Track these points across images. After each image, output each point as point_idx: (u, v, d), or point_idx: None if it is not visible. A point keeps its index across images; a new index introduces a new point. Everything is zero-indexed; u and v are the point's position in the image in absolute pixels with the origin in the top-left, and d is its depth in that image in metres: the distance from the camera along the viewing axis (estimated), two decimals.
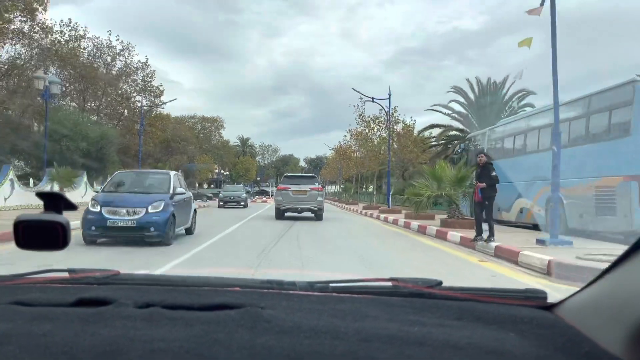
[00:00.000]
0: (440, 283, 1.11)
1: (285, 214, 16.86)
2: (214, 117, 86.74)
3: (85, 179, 23.50)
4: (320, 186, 17.51)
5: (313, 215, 16.87)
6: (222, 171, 77.11)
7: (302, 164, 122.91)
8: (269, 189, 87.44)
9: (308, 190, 16.66)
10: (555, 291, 4.37)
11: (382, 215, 19.93)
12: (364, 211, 25.19)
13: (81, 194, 23.08)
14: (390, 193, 24.54)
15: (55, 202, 0.90)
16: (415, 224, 14.39)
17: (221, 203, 28.53)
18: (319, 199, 16.80)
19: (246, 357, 0.70)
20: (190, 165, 72.92)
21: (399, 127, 26.30)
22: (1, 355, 0.69)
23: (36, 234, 0.89)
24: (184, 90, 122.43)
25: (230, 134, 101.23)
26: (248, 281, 1.17)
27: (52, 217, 0.89)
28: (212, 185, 76.10)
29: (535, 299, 1.05)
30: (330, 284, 1.12)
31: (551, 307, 0.99)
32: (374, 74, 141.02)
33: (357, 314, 0.90)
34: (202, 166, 71.56)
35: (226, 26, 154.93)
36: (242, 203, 28.47)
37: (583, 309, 0.89)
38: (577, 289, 0.94)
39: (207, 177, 73.14)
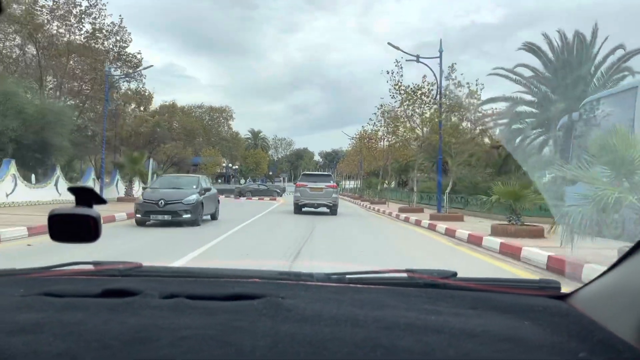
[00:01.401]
0: (455, 274, 1.11)
1: (303, 209, 17.83)
2: (223, 106, 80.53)
3: (12, 169, 16.79)
4: (335, 184, 18.49)
5: (328, 210, 17.76)
6: (230, 165, 70.11)
7: (317, 158, 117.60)
8: (281, 185, 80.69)
9: (324, 187, 17.67)
10: None
11: (440, 225, 12.83)
12: (402, 215, 18.05)
13: (6, 189, 16.40)
14: (445, 192, 17.35)
15: (86, 196, 0.92)
16: (533, 251, 7.35)
17: (138, 216, 12.01)
18: (334, 195, 17.82)
19: (270, 343, 0.70)
20: (196, 159, 66.72)
21: (461, 94, 18.04)
22: (36, 342, 0.70)
23: (69, 227, 0.92)
24: (201, 86, 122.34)
25: (245, 128, 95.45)
26: (266, 272, 1.18)
27: (84, 210, 0.91)
28: (220, 181, 69.49)
29: (549, 289, 1.04)
30: (347, 275, 1.13)
31: (565, 296, 1.00)
32: (391, 69, 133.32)
33: (375, 303, 0.92)
34: (208, 159, 64.97)
35: (243, 22, 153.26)
36: (188, 215, 12.01)
37: (596, 298, 0.90)
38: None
39: (214, 171, 66.35)
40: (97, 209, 0.92)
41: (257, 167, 78.27)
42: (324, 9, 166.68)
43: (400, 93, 19.59)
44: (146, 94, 32.38)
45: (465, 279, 1.10)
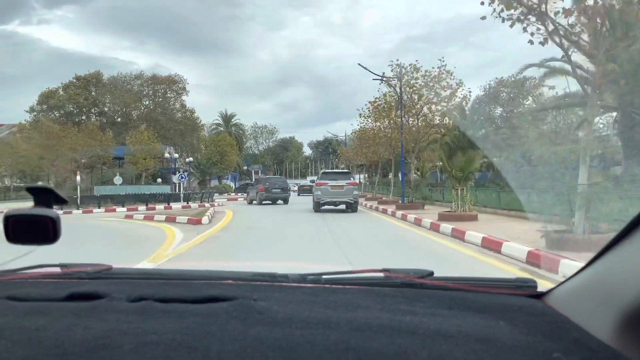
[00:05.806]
0: (431, 273, 1.10)
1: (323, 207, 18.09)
2: (172, 75, 57.40)
3: None
4: (355, 181, 19.36)
5: (349, 209, 17.93)
6: (175, 155, 46.22)
7: (307, 150, 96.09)
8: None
9: (345, 185, 18.02)
10: None
11: None
12: None
13: None
14: None
15: (45, 196, 0.89)
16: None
17: None
18: (355, 192, 18.24)
19: (238, 348, 0.69)
20: (120, 149, 43.67)
21: None
22: None
23: (27, 229, 0.89)
24: (188, 87, 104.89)
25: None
26: (240, 274, 1.15)
27: (43, 211, 0.88)
28: (159, 180, 46.13)
29: (525, 287, 1.05)
30: (323, 276, 1.11)
31: (541, 295, 1.00)
32: (378, 63, 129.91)
33: (350, 304, 0.90)
34: (137, 149, 41.94)
35: (228, 21, 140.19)
36: None
37: (572, 297, 0.90)
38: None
39: (149, 165, 42.85)
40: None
41: (223, 158, 55.11)
42: (310, 5, 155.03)
43: None
44: None
45: (441, 278, 1.09)
